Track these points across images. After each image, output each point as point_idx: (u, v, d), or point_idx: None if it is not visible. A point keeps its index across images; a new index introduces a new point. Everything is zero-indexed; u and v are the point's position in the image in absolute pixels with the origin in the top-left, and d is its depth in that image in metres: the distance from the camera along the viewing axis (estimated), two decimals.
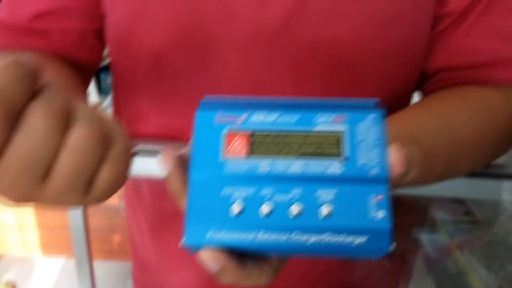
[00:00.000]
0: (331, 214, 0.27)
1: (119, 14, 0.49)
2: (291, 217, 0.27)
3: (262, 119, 0.30)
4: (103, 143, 0.26)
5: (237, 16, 0.44)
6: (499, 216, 0.81)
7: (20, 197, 0.26)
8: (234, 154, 0.29)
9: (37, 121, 0.24)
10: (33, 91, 0.24)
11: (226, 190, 0.28)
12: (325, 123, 0.30)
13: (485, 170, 0.50)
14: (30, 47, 0.49)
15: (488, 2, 0.46)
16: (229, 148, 0.29)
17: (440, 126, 0.43)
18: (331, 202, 0.27)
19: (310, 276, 0.58)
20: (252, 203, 0.27)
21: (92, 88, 1.81)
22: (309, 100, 0.31)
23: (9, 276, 1.74)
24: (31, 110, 0.24)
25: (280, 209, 0.27)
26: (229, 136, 0.30)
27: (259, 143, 0.29)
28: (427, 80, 0.52)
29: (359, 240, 0.26)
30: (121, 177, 0.27)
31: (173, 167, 0.29)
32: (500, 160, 0.51)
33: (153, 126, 0.54)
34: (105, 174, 0.26)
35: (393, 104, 0.48)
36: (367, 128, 0.29)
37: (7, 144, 0.24)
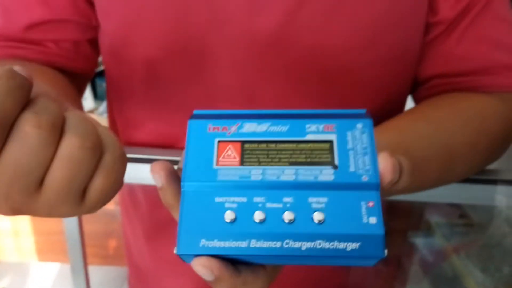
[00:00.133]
0: (324, 221, 0.27)
1: (112, 24, 0.49)
2: (284, 224, 0.27)
3: (253, 129, 0.30)
4: (96, 152, 0.26)
5: (230, 25, 0.45)
6: (494, 219, 0.81)
7: (13, 208, 0.26)
8: (227, 163, 0.29)
9: (29, 132, 0.24)
10: (25, 102, 0.25)
11: (219, 199, 0.28)
12: (315, 132, 0.30)
13: (480, 176, 0.51)
14: (23, 57, 0.49)
15: (478, 10, 0.47)
16: (221, 157, 0.29)
17: (433, 134, 0.43)
18: (323, 209, 0.27)
19: (306, 281, 0.58)
20: (244, 211, 0.28)
21: (87, 94, 1.81)
22: (299, 110, 0.31)
23: (4, 282, 1.73)
24: (24, 121, 0.24)
25: (273, 216, 0.27)
26: (221, 145, 0.30)
27: (251, 152, 0.29)
28: (419, 87, 0.52)
29: (352, 246, 0.26)
30: (115, 186, 0.27)
31: (165, 179, 0.29)
32: (494, 165, 0.51)
33: (148, 133, 0.54)
34: (99, 183, 0.26)
35: (386, 110, 0.48)
36: (357, 137, 0.30)
37: None
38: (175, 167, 0.31)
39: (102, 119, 1.73)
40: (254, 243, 0.27)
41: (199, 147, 0.30)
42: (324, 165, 0.29)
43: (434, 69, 0.50)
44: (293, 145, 0.30)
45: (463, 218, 0.90)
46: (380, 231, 0.27)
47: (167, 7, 0.45)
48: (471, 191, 0.52)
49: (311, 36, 0.45)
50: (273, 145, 0.30)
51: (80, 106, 0.52)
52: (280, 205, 0.28)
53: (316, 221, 0.27)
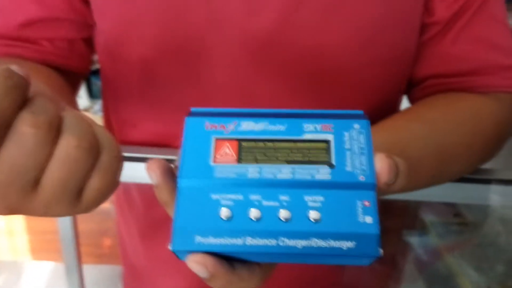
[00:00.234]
0: (320, 220, 0.27)
1: (108, 23, 0.49)
2: (279, 222, 0.27)
3: (251, 127, 0.30)
4: (92, 152, 0.26)
5: (227, 24, 0.45)
6: (488, 218, 0.82)
7: (9, 208, 0.26)
8: (223, 160, 0.29)
9: (26, 132, 0.24)
10: (22, 101, 0.24)
11: (215, 196, 0.28)
12: (313, 131, 0.30)
13: (474, 175, 0.51)
14: (18, 56, 0.49)
15: (474, 11, 0.47)
16: (218, 154, 0.29)
17: (428, 134, 0.43)
18: (319, 207, 0.27)
19: (301, 279, 0.58)
20: (240, 209, 0.28)
21: (82, 92, 1.80)
22: (296, 110, 0.31)
23: None
24: (21, 120, 0.24)
25: (268, 214, 0.27)
26: (218, 143, 0.30)
27: (248, 150, 0.29)
28: (414, 87, 0.53)
29: (347, 245, 0.26)
30: (111, 185, 0.27)
31: (160, 177, 0.29)
32: (489, 165, 0.51)
33: (144, 132, 0.54)
34: (95, 183, 0.26)
35: (381, 110, 0.49)
36: (354, 137, 0.30)
37: None
38: (171, 165, 0.31)
39: (97, 117, 1.73)
40: (250, 241, 0.27)
41: (196, 144, 0.30)
42: (321, 164, 0.29)
43: (429, 69, 0.50)
44: (291, 144, 0.30)
45: (458, 217, 0.90)
46: (376, 230, 0.27)
47: (164, 6, 0.45)
48: (465, 190, 0.52)
49: (308, 36, 0.45)
50: (270, 144, 0.30)
51: (75, 105, 0.52)
52: (276, 203, 0.28)
53: (312, 219, 0.27)
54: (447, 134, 0.44)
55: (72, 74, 0.54)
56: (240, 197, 0.28)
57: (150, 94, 0.51)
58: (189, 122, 0.31)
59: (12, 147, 0.24)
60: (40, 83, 0.27)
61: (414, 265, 0.89)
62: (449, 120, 0.45)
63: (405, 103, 0.55)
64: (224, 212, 0.27)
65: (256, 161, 0.29)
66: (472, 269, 0.86)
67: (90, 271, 0.91)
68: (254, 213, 0.27)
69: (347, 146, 0.29)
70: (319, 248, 0.26)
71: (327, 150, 0.29)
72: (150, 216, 0.59)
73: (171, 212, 0.29)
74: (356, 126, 0.30)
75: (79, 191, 0.26)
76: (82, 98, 1.79)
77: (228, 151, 0.29)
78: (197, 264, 0.27)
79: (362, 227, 0.27)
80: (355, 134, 0.30)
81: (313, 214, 0.27)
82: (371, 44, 0.46)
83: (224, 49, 0.46)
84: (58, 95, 0.45)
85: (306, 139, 0.30)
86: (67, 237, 0.78)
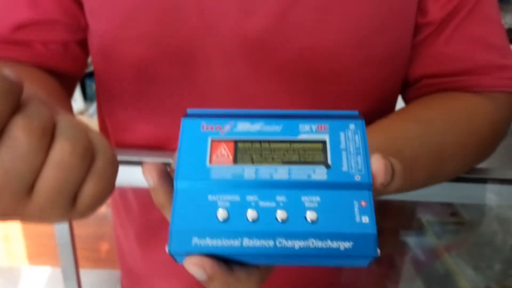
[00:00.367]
0: (317, 220, 0.27)
1: (102, 25, 0.48)
2: (276, 223, 0.27)
3: (247, 128, 0.30)
4: (87, 157, 0.26)
5: (221, 26, 0.45)
6: (485, 217, 0.82)
7: (3, 213, 0.25)
8: (220, 161, 0.29)
9: (20, 137, 0.24)
10: (15, 106, 0.24)
11: (211, 197, 0.28)
12: (309, 132, 0.30)
13: (470, 175, 0.51)
14: (12, 58, 0.49)
15: (467, 11, 0.47)
16: (214, 155, 0.29)
17: (423, 134, 0.43)
18: (316, 208, 0.27)
19: (298, 280, 0.58)
20: (237, 210, 0.28)
21: (77, 95, 1.79)
22: (292, 111, 0.31)
23: None
24: (14, 125, 0.24)
25: (265, 215, 0.27)
26: (214, 144, 0.30)
27: (244, 151, 0.29)
28: (409, 87, 0.53)
29: (344, 245, 0.26)
30: (106, 191, 0.27)
31: (157, 180, 0.29)
32: (484, 164, 0.51)
33: (139, 135, 0.54)
34: (90, 188, 0.26)
35: (377, 110, 0.49)
36: (349, 137, 0.30)
37: None
38: (167, 168, 0.31)
39: (92, 120, 1.72)
40: (247, 242, 0.27)
41: (192, 146, 0.30)
42: (317, 165, 0.29)
43: (424, 69, 0.50)
44: (287, 145, 0.30)
45: (455, 216, 0.90)
46: (373, 230, 0.27)
47: (157, 8, 0.45)
48: (461, 189, 0.53)
49: (302, 36, 0.45)
50: (266, 145, 0.30)
51: (70, 108, 0.52)
52: (273, 204, 0.28)
53: (309, 220, 0.27)
54: (443, 133, 0.44)
55: (67, 77, 0.53)
56: (236, 198, 0.28)
57: (145, 96, 0.51)
58: (186, 123, 0.31)
59: (6, 152, 0.24)
60: (34, 87, 0.27)
61: (412, 265, 0.89)
62: (444, 119, 0.46)
63: (400, 103, 0.55)
64: (221, 213, 0.27)
65: (252, 161, 0.29)
66: (470, 268, 0.87)
67: (88, 275, 0.91)
68: (251, 214, 0.27)
69: (342, 146, 0.29)
70: (317, 248, 0.26)
71: (323, 150, 0.29)
72: (147, 220, 0.59)
73: (168, 215, 0.29)
74: (352, 126, 0.30)
75: (74, 197, 0.26)
76: (77, 101, 1.79)
77: (224, 152, 0.29)
78: (195, 266, 0.27)
79: (359, 227, 0.27)
80: (351, 134, 0.30)
81: (310, 215, 0.27)
82: (367, 43, 0.46)
83: (219, 49, 0.46)
84: (52, 98, 0.45)
85: (302, 139, 0.30)
86: (64, 241, 0.78)
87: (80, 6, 0.49)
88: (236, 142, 0.30)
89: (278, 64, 0.46)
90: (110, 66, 0.50)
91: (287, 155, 0.29)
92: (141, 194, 0.58)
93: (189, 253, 0.27)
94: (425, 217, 0.90)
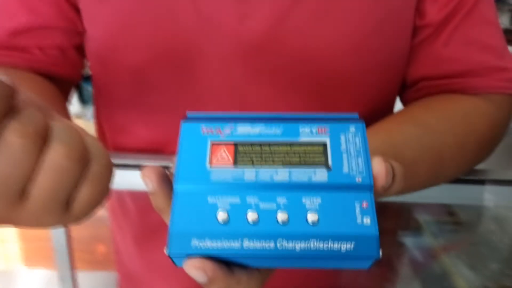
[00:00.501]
0: (318, 222, 0.27)
1: (99, 31, 0.48)
2: (277, 225, 0.27)
3: (247, 131, 0.30)
4: (82, 161, 0.25)
5: (219, 30, 0.44)
6: (482, 217, 0.82)
7: None
8: (220, 164, 0.29)
9: (13, 142, 0.23)
10: (8, 109, 0.24)
11: (211, 199, 0.28)
12: (309, 134, 0.30)
13: (467, 176, 0.51)
14: (9, 64, 0.49)
15: (465, 13, 0.47)
16: (214, 158, 0.29)
17: (422, 136, 0.43)
18: (317, 209, 0.27)
19: (297, 281, 0.58)
20: (238, 211, 0.27)
21: (74, 99, 1.79)
22: (292, 114, 0.31)
23: None
24: (7, 130, 0.23)
25: (266, 217, 0.27)
26: (214, 147, 0.30)
27: (244, 154, 0.29)
28: (407, 89, 0.53)
29: (346, 247, 0.26)
30: (101, 195, 0.27)
31: (156, 184, 0.29)
32: (481, 165, 0.51)
33: (136, 139, 0.54)
34: (85, 193, 0.26)
35: (375, 113, 0.49)
36: (350, 139, 0.30)
37: None
38: (166, 172, 0.31)
39: (89, 124, 1.71)
40: (247, 244, 0.27)
41: (192, 149, 0.30)
42: (318, 167, 0.29)
43: (422, 71, 0.50)
44: (287, 147, 0.30)
45: (452, 216, 0.91)
46: (375, 231, 0.27)
47: (154, 13, 0.45)
48: (458, 191, 0.53)
49: (300, 40, 0.45)
50: (266, 147, 0.30)
51: (67, 113, 0.51)
52: (274, 206, 0.27)
53: (310, 221, 0.27)
54: (441, 135, 0.44)
55: (64, 82, 0.53)
56: (237, 200, 0.28)
57: (143, 100, 0.50)
58: (185, 127, 0.31)
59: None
60: (29, 92, 0.27)
61: (409, 265, 0.89)
62: (443, 121, 0.46)
63: (398, 105, 0.55)
64: (221, 215, 0.27)
65: (253, 164, 0.29)
66: (467, 268, 0.87)
67: (84, 278, 0.90)
68: (251, 215, 0.27)
69: (343, 148, 0.29)
70: (318, 250, 0.26)
71: (324, 152, 0.29)
72: (145, 223, 0.58)
73: (168, 219, 0.29)
74: (352, 128, 0.30)
75: (68, 202, 0.26)
76: (74, 105, 1.78)
77: (225, 154, 0.29)
78: (195, 269, 0.27)
79: (361, 228, 0.27)
80: (351, 136, 0.30)
81: (311, 216, 0.27)
82: (364, 48, 0.46)
83: (216, 54, 0.46)
84: (49, 103, 0.45)
85: (302, 142, 0.30)
86: (60, 244, 0.77)
87: (77, 11, 0.49)
88: (236, 144, 0.30)
89: (275, 69, 0.46)
90: (108, 70, 0.50)
91: (288, 157, 0.29)
92: (139, 198, 0.58)
93: (188, 256, 0.27)
94: (422, 217, 0.90)
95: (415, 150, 0.42)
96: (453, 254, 0.90)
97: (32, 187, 0.24)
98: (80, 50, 0.53)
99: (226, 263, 0.28)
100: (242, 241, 0.27)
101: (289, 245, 0.26)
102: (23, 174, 0.24)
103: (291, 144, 0.30)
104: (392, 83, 0.51)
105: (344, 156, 0.29)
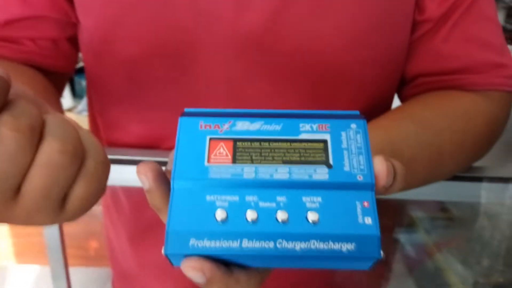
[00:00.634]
0: (318, 221, 0.26)
1: (93, 22, 0.47)
2: (277, 224, 0.27)
3: (246, 127, 0.30)
4: (77, 157, 0.25)
5: (216, 22, 0.44)
6: (474, 213, 0.83)
7: None
8: (218, 161, 0.28)
9: (6, 136, 0.22)
10: (2, 104, 0.23)
11: (210, 197, 0.27)
12: (309, 131, 0.30)
13: (464, 173, 0.51)
14: (0, 55, 0.48)
15: (464, 9, 0.47)
16: (213, 155, 0.29)
17: (420, 133, 0.43)
18: (317, 208, 0.27)
19: (294, 279, 0.58)
20: (236, 210, 0.27)
21: (66, 92, 1.77)
22: (292, 110, 0.31)
23: None
24: (1, 124, 0.23)
25: (265, 216, 0.27)
26: (213, 143, 0.29)
27: (243, 150, 0.29)
28: (405, 85, 0.53)
29: (347, 247, 0.26)
30: (97, 192, 0.26)
31: (153, 181, 0.28)
32: (479, 163, 0.51)
33: (131, 134, 0.53)
34: (80, 190, 0.25)
35: (373, 109, 0.49)
36: (351, 137, 0.29)
37: None
38: (163, 168, 0.30)
39: (81, 117, 1.70)
40: (246, 243, 0.26)
41: (190, 145, 0.29)
42: (318, 164, 0.28)
43: (420, 67, 0.50)
44: (287, 144, 0.29)
45: (444, 211, 0.91)
46: (376, 231, 0.26)
47: (150, 5, 0.44)
48: (456, 188, 0.53)
49: (298, 33, 0.44)
50: (266, 144, 0.29)
51: (59, 107, 0.51)
52: (273, 204, 0.27)
53: (310, 220, 0.26)
54: (440, 132, 0.44)
55: (56, 74, 0.52)
56: (235, 198, 0.27)
57: (138, 94, 0.50)
58: (183, 122, 0.30)
59: None
60: (22, 85, 0.26)
61: (403, 261, 0.89)
62: (441, 118, 0.45)
63: (395, 102, 0.55)
64: (220, 214, 0.27)
65: (252, 161, 0.28)
66: (459, 263, 0.87)
67: (77, 274, 0.89)
68: (250, 214, 0.27)
69: (344, 146, 0.29)
70: (318, 250, 0.26)
71: (325, 150, 0.29)
72: (139, 220, 0.58)
73: (165, 218, 0.28)
74: (353, 125, 0.30)
75: (62, 199, 0.25)
76: (66, 98, 1.76)
77: (223, 151, 0.29)
78: (193, 270, 0.26)
79: (362, 228, 0.26)
80: (352, 133, 0.29)
81: (311, 216, 0.26)
82: (364, 42, 0.45)
83: (212, 47, 0.45)
84: (42, 97, 0.44)
85: (302, 139, 0.29)
86: (53, 239, 0.76)
87: (71, 1, 0.48)
88: (235, 141, 0.29)
89: (273, 62, 0.45)
90: (102, 63, 0.49)
91: (288, 154, 0.29)
92: (133, 194, 0.57)
93: (186, 255, 0.26)
94: (415, 213, 0.90)
95: (414, 147, 0.42)
96: (446, 250, 0.91)
97: (26, 184, 0.24)
98: (73, 42, 0.52)
99: (225, 262, 0.27)
100: (241, 240, 0.26)
101: (289, 245, 0.26)
102: (16, 170, 0.23)
103: (291, 141, 0.29)
104: (391, 79, 0.51)
105: (345, 153, 0.28)
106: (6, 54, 0.48)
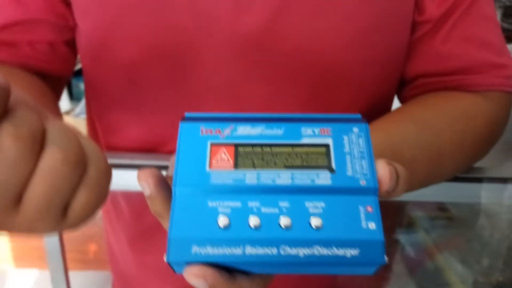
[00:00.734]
0: (321, 226, 0.26)
1: (91, 25, 0.47)
2: (280, 230, 0.26)
3: (247, 132, 0.29)
4: (79, 166, 0.24)
5: (214, 24, 0.44)
6: (473, 212, 0.83)
7: None
8: (220, 166, 0.28)
9: (8, 145, 0.22)
10: (3, 112, 0.23)
11: (212, 203, 0.27)
12: (311, 135, 0.29)
13: (463, 174, 0.51)
14: None
15: (464, 9, 0.47)
16: (214, 160, 0.28)
17: (420, 134, 0.43)
18: (320, 214, 0.27)
19: (294, 281, 0.58)
20: (239, 216, 0.27)
21: (63, 94, 1.76)
22: (293, 114, 0.31)
23: None
24: (2, 133, 0.22)
25: (268, 222, 0.27)
26: (214, 148, 0.29)
27: (245, 156, 0.28)
28: (405, 86, 0.53)
29: (351, 252, 0.26)
30: (99, 201, 0.26)
31: (154, 187, 0.28)
32: (478, 163, 0.51)
33: (130, 138, 0.53)
34: (82, 199, 0.25)
35: (373, 110, 0.48)
36: (353, 140, 0.29)
37: None
38: (163, 172, 0.30)
39: (78, 120, 1.69)
40: (249, 250, 0.26)
41: (191, 150, 0.29)
42: (321, 169, 0.28)
43: (420, 68, 0.50)
44: (289, 149, 0.29)
45: (443, 211, 0.91)
46: (380, 236, 0.26)
47: (148, 7, 0.44)
48: (456, 189, 0.53)
49: (297, 34, 0.44)
50: (268, 149, 0.29)
51: (58, 111, 0.50)
52: (276, 210, 0.27)
53: (313, 226, 0.26)
54: (440, 133, 0.44)
55: (54, 78, 0.52)
56: (238, 204, 0.27)
57: (137, 98, 0.49)
58: (184, 127, 0.30)
59: None
60: (21, 91, 0.26)
61: (402, 261, 0.89)
62: (441, 119, 0.45)
63: (395, 103, 0.55)
64: (222, 220, 0.26)
65: (254, 166, 0.28)
66: (458, 262, 0.87)
67: (76, 277, 0.89)
68: (253, 220, 0.26)
69: (346, 150, 0.29)
70: (322, 256, 0.26)
71: (327, 154, 0.28)
72: (139, 224, 0.58)
73: (166, 224, 0.28)
74: (355, 129, 0.29)
75: (64, 208, 0.25)
76: (63, 101, 1.75)
77: (225, 156, 0.28)
78: (195, 277, 0.26)
79: (366, 233, 0.26)
80: (355, 137, 0.29)
81: (314, 221, 0.26)
82: (364, 43, 0.45)
83: (212, 49, 0.45)
84: (40, 102, 0.44)
85: (304, 143, 0.29)
86: (52, 243, 0.76)
87: (68, 5, 0.48)
88: (236, 146, 0.29)
89: (273, 63, 0.45)
90: (100, 67, 0.49)
91: (290, 159, 0.28)
92: (133, 198, 0.57)
93: (188, 263, 0.26)
94: (414, 213, 0.90)
95: (414, 149, 0.42)
96: (446, 250, 0.91)
97: (27, 193, 0.23)
98: (71, 45, 0.52)
99: (227, 269, 0.27)
100: (244, 247, 0.26)
101: (293, 251, 0.26)
102: (17, 179, 0.23)
103: (293, 146, 0.29)
104: (391, 79, 0.51)
105: (348, 158, 0.28)
106: (2, 58, 0.47)
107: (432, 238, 0.93)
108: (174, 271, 0.28)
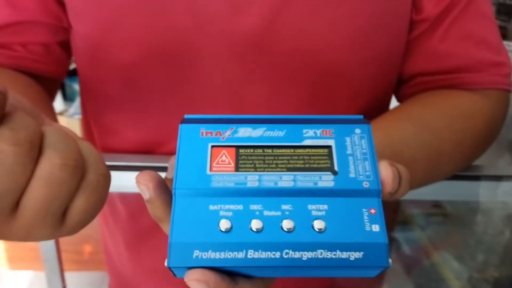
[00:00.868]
0: (325, 229, 0.26)
1: (86, 27, 0.46)
2: (282, 233, 0.26)
3: (248, 133, 0.29)
4: (78, 171, 0.24)
5: (212, 25, 0.43)
6: (467, 208, 0.83)
7: None
8: (221, 169, 0.28)
9: (5, 150, 0.22)
10: (0, 116, 0.22)
11: (213, 207, 0.27)
12: (313, 137, 0.29)
13: (459, 172, 0.51)
14: None
15: (461, 8, 0.47)
16: (215, 162, 0.28)
17: (419, 133, 0.43)
18: (323, 216, 0.26)
19: (293, 280, 0.58)
20: (241, 220, 0.26)
21: (57, 95, 1.75)
22: (294, 116, 0.30)
23: None
24: None
25: (271, 225, 0.26)
26: (214, 150, 0.28)
27: (246, 158, 0.28)
28: (403, 85, 0.52)
29: (355, 256, 0.25)
30: (98, 205, 0.26)
31: (153, 191, 0.28)
32: (477, 162, 0.51)
33: (126, 139, 0.52)
34: (80, 204, 0.25)
35: (372, 109, 0.48)
36: (356, 142, 0.29)
37: None
38: (161, 174, 0.29)
39: (72, 120, 1.68)
40: (252, 254, 0.25)
41: (191, 153, 0.28)
42: (323, 171, 0.28)
43: (418, 66, 0.50)
44: (291, 151, 0.28)
45: (438, 208, 0.91)
46: (384, 239, 0.26)
47: (145, 8, 0.43)
48: (454, 187, 0.52)
49: (296, 34, 0.44)
50: (269, 151, 0.28)
51: (53, 113, 0.50)
52: (279, 213, 0.26)
53: (316, 229, 0.26)
54: (438, 132, 0.44)
55: (48, 79, 0.51)
56: (239, 207, 0.27)
57: (133, 99, 0.49)
58: (184, 129, 0.29)
59: None
60: (18, 95, 0.25)
61: (398, 258, 0.89)
62: (439, 118, 0.45)
63: (393, 102, 0.54)
64: (224, 224, 0.26)
65: (255, 169, 0.28)
66: (454, 259, 0.87)
67: (71, 278, 0.89)
68: (255, 224, 0.26)
69: (349, 151, 0.28)
70: (325, 259, 0.25)
71: (329, 156, 0.28)
72: (136, 226, 0.57)
73: (166, 229, 0.28)
74: (357, 130, 0.29)
75: (62, 213, 0.25)
76: (56, 101, 1.74)
77: (226, 159, 0.28)
78: (197, 282, 0.25)
79: (370, 236, 0.26)
80: (357, 139, 0.29)
81: (317, 224, 0.26)
82: (361, 42, 0.45)
83: (209, 50, 0.44)
84: (35, 104, 0.43)
85: (306, 145, 0.29)
86: (47, 245, 0.76)
87: (62, 6, 0.47)
88: (237, 148, 0.28)
89: (271, 64, 0.45)
90: (96, 68, 0.48)
91: (292, 161, 0.28)
92: (129, 200, 0.56)
93: (190, 267, 0.26)
94: (409, 210, 0.91)
95: (413, 148, 0.41)
96: (441, 246, 0.91)
97: (25, 199, 0.23)
98: (65, 47, 0.51)
99: (228, 272, 0.27)
100: (246, 251, 0.25)
101: (296, 254, 0.25)
102: (15, 185, 0.22)
103: (294, 147, 0.28)
104: (389, 78, 0.51)
105: (350, 159, 0.28)
106: None
107: (428, 235, 0.93)
108: (174, 275, 0.27)
